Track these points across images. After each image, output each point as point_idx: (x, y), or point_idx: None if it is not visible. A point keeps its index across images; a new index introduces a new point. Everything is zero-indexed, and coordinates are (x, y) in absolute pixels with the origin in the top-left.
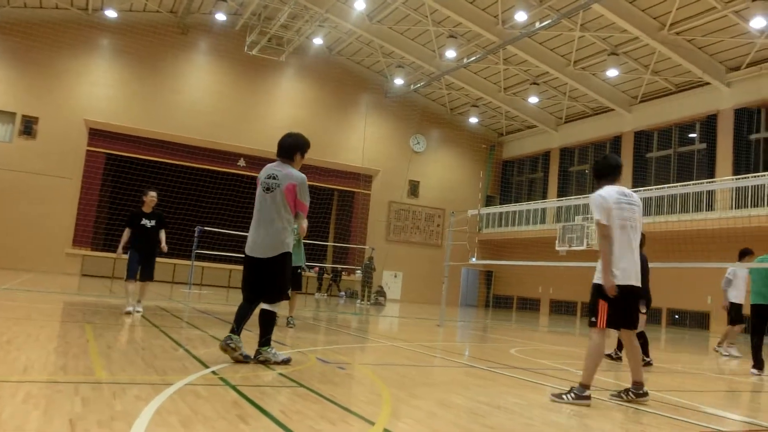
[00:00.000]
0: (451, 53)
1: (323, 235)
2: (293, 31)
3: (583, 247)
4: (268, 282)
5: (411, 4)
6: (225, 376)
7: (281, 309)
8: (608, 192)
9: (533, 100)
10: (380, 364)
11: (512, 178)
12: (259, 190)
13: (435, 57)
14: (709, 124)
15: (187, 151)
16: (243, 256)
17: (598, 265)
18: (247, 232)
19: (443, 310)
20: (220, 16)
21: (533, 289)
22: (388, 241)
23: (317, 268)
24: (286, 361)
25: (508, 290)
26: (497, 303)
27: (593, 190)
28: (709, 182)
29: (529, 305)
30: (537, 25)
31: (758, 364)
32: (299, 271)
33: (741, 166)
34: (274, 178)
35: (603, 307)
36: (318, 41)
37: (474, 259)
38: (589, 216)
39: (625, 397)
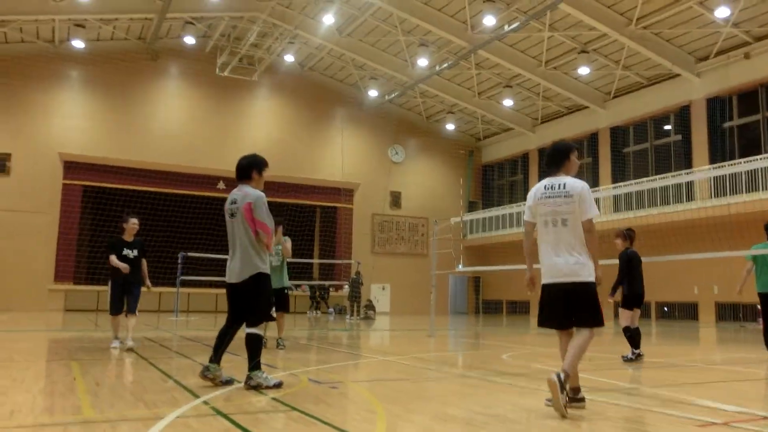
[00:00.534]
0: (423, 61)
1: (308, 252)
2: (263, 49)
3: None
4: (245, 305)
5: (379, 15)
6: (216, 406)
7: (270, 330)
8: (536, 187)
9: (508, 102)
10: (373, 380)
11: (493, 182)
12: (226, 218)
13: (407, 66)
14: (682, 116)
15: (166, 177)
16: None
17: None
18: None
19: (433, 320)
20: (189, 40)
21: (522, 293)
22: (373, 254)
23: (304, 287)
24: (278, 385)
25: (497, 295)
26: (487, 308)
27: None
28: (687, 173)
29: (519, 308)
30: (506, 28)
31: None
32: (286, 291)
33: (717, 155)
34: (234, 203)
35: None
36: (289, 58)
37: (461, 267)
38: None
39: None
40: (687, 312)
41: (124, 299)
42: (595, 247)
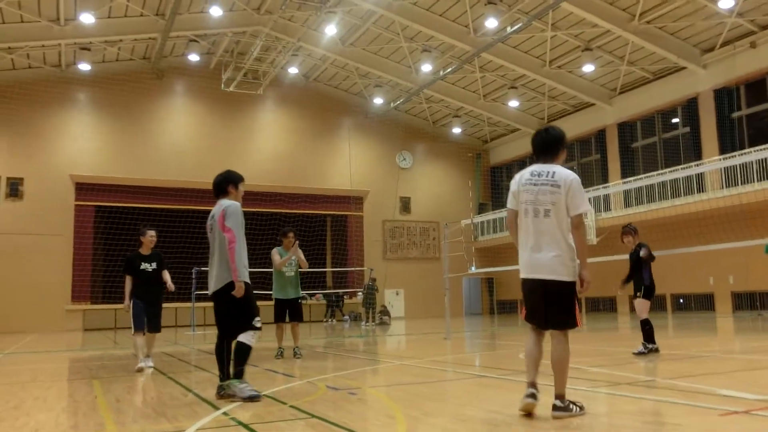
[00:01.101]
0: (426, 67)
1: (320, 261)
2: (267, 63)
3: None
4: (227, 313)
5: (381, 23)
6: (236, 416)
7: (287, 341)
8: (521, 172)
9: (514, 104)
10: (391, 384)
11: (502, 184)
12: (208, 234)
13: (411, 72)
14: (690, 108)
15: (176, 193)
16: None
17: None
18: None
19: (448, 322)
20: (194, 57)
21: None
22: (386, 260)
23: (318, 296)
24: (253, 398)
25: (511, 294)
26: (502, 308)
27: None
28: (698, 165)
29: None
30: (508, 29)
31: None
32: (299, 301)
33: (727, 146)
34: (212, 218)
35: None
36: (294, 70)
37: (473, 268)
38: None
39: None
40: (703, 303)
41: (145, 317)
42: (583, 244)
